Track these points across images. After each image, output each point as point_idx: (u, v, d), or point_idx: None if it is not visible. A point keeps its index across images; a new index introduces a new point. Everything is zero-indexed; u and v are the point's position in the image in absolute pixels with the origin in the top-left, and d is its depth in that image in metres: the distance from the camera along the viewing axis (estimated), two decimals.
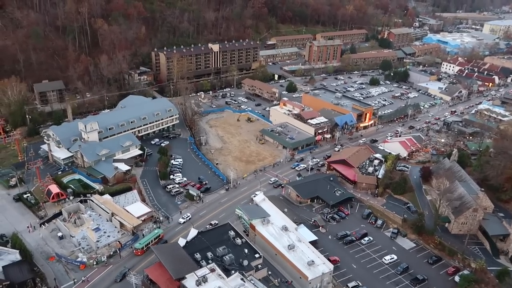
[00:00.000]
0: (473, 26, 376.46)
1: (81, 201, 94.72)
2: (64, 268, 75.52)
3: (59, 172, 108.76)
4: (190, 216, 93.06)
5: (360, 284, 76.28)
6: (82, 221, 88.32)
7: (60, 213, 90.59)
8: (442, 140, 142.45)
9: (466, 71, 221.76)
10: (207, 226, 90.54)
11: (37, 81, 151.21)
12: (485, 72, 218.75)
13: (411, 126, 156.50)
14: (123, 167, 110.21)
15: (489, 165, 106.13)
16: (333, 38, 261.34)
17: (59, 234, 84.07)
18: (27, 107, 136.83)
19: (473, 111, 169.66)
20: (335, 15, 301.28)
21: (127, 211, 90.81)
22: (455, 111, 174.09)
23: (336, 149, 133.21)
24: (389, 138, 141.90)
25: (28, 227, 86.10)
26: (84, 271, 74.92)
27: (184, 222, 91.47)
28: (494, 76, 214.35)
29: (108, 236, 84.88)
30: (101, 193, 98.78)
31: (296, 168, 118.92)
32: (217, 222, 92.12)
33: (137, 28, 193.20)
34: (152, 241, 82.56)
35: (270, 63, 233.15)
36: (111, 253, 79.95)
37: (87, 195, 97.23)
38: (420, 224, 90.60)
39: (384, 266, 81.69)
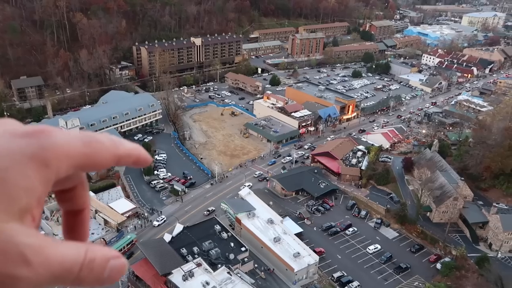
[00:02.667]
0: (452, 18, 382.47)
1: None
2: None
3: None
4: (165, 219, 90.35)
5: (345, 274, 77.51)
6: None
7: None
8: (423, 131, 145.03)
9: (446, 62, 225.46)
10: (204, 212, 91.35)
11: (14, 77, 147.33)
12: (464, 64, 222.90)
13: (399, 115, 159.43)
14: None
15: (468, 154, 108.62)
16: (315, 31, 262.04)
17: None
18: (5, 104, 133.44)
19: (453, 102, 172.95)
20: (317, 8, 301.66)
21: (111, 207, 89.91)
22: (435, 102, 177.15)
23: (329, 138, 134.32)
24: (375, 128, 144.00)
25: None
26: None
27: (159, 225, 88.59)
28: (472, 68, 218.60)
29: (92, 233, 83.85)
30: None
31: (271, 165, 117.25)
32: (213, 208, 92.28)
33: (118, 22, 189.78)
34: (124, 247, 79.28)
35: (253, 57, 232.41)
36: None
37: None
38: (402, 214, 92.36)
39: (368, 256, 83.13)
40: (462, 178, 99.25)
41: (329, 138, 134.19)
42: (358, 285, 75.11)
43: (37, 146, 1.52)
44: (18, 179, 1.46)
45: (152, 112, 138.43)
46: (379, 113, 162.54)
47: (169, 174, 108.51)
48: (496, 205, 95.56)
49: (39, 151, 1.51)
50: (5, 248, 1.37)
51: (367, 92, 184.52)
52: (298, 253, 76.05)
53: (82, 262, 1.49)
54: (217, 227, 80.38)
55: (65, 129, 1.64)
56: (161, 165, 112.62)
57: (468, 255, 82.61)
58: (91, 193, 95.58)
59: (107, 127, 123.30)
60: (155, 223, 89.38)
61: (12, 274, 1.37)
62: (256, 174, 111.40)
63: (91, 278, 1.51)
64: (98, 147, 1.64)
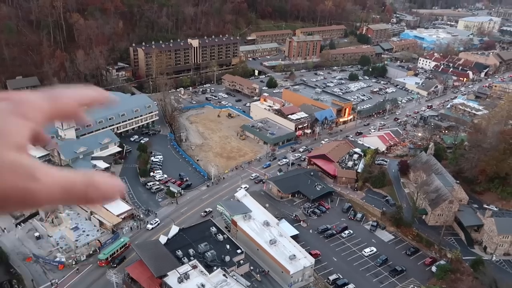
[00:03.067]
0: (448, 22, 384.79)
1: None
2: (42, 269, 74.03)
3: None
4: (159, 222, 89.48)
5: (341, 276, 77.54)
6: (60, 220, 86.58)
7: (37, 213, 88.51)
8: (419, 134, 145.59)
9: (442, 66, 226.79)
10: (202, 213, 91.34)
11: (10, 77, 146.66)
12: (460, 68, 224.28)
13: (396, 118, 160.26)
14: (102, 164, 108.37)
15: (464, 158, 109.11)
16: (312, 33, 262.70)
17: (36, 234, 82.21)
18: None
19: (448, 106, 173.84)
20: (315, 10, 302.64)
21: (106, 209, 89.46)
22: (431, 106, 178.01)
23: (323, 141, 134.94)
24: (372, 131, 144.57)
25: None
26: (63, 271, 73.62)
27: (152, 228, 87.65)
28: (468, 71, 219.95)
29: (87, 235, 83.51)
30: None
31: (266, 168, 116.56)
32: (211, 209, 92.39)
33: (115, 23, 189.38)
34: (117, 250, 78.25)
35: (250, 59, 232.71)
36: (91, 252, 78.75)
37: None
38: (398, 217, 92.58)
39: (364, 259, 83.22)
40: (458, 181, 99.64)
41: (323, 142, 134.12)
42: None
43: (13, 105, 1.86)
44: (8, 124, 1.78)
45: (149, 113, 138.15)
46: (375, 116, 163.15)
47: (165, 175, 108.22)
48: (487, 206, 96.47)
49: (16, 108, 1.84)
50: (13, 167, 1.65)
51: (364, 95, 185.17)
52: (294, 255, 76.01)
53: (83, 179, 1.75)
54: (213, 229, 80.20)
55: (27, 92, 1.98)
56: (157, 166, 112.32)
57: (463, 258, 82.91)
58: None
59: (103, 128, 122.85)
60: (149, 226, 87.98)
61: (24, 187, 1.63)
62: (252, 176, 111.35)
63: (98, 194, 1.77)
64: (63, 100, 2.00)
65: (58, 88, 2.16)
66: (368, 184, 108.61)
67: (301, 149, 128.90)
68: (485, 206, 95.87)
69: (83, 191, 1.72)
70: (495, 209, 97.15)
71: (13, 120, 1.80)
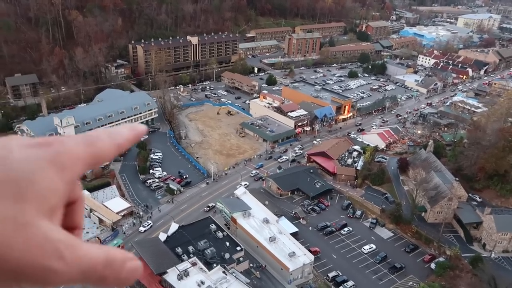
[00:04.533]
0: (448, 20, 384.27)
1: None
2: None
3: None
4: (151, 224, 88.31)
5: (340, 273, 77.71)
6: None
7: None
8: (419, 132, 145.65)
9: (441, 63, 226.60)
10: (205, 208, 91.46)
11: (9, 74, 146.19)
12: (459, 65, 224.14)
13: (397, 114, 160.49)
14: None
15: (463, 155, 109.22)
16: (312, 31, 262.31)
17: None
18: None
19: (448, 103, 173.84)
20: (314, 8, 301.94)
21: (106, 206, 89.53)
22: (431, 103, 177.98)
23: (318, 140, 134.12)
24: (374, 127, 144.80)
25: None
26: None
27: (145, 231, 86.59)
28: (468, 69, 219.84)
29: (87, 232, 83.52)
30: None
31: (259, 169, 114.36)
32: (214, 204, 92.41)
33: (114, 20, 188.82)
34: None
35: (250, 56, 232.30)
36: None
37: None
38: (397, 214, 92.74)
39: (363, 256, 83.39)
40: (457, 179, 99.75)
41: (315, 142, 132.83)
42: (353, 285, 75.35)
43: (53, 152, 1.68)
44: (44, 181, 1.59)
45: (148, 110, 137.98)
46: (374, 113, 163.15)
47: (165, 173, 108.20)
48: (473, 196, 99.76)
49: (55, 157, 1.67)
50: (41, 242, 1.49)
51: (363, 93, 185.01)
52: (294, 252, 76.13)
53: (106, 261, 1.62)
54: (213, 226, 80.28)
55: (69, 135, 1.83)
56: (157, 164, 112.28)
57: (462, 255, 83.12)
58: (86, 192, 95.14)
59: (102, 125, 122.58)
60: (141, 228, 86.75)
61: (48, 266, 1.48)
62: (252, 174, 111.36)
63: (113, 277, 1.65)
64: (100, 145, 1.84)
65: (96, 130, 1.98)
66: (368, 181, 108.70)
67: (296, 148, 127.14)
68: (471, 195, 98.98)
69: (100, 276, 1.62)
70: (479, 199, 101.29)
71: (50, 174, 1.62)
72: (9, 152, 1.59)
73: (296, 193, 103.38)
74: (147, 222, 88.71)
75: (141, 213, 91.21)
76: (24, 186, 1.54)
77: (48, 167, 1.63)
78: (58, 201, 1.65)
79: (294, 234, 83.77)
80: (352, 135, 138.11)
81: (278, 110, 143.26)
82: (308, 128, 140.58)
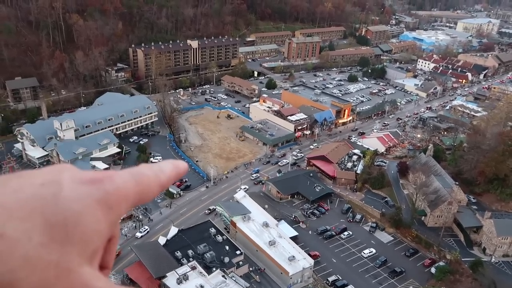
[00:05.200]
0: (447, 24, 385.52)
1: None
2: None
3: None
4: (148, 230, 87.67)
5: (340, 277, 77.51)
6: None
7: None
8: (418, 136, 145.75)
9: (441, 68, 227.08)
10: (206, 211, 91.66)
11: (9, 78, 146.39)
12: (459, 69, 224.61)
13: (398, 118, 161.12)
14: (101, 165, 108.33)
15: (463, 159, 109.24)
16: (312, 35, 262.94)
17: None
18: (0, 105, 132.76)
19: (447, 107, 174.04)
20: (314, 12, 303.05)
21: None
22: (430, 107, 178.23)
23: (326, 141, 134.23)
24: (374, 131, 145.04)
25: None
26: None
27: (142, 236, 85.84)
28: (467, 73, 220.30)
29: None
30: None
31: (254, 174, 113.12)
32: (214, 207, 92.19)
33: (114, 24, 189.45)
34: None
35: (250, 60, 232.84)
36: None
37: None
38: (397, 218, 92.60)
39: (363, 260, 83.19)
40: (457, 183, 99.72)
41: (311, 146, 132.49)
42: None
43: (103, 191, 1.62)
44: (91, 223, 1.53)
45: (148, 114, 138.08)
46: (374, 117, 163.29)
47: None
48: (468, 197, 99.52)
49: (105, 196, 1.61)
50: None
51: (363, 96, 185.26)
52: (293, 256, 75.95)
53: None
54: (212, 230, 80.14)
55: (119, 171, 1.75)
56: None
57: (462, 259, 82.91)
58: None
59: (102, 129, 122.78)
60: (138, 234, 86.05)
61: None
62: (252, 177, 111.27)
63: None
64: (146, 182, 1.78)
65: (142, 166, 1.89)
66: (367, 185, 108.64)
67: (294, 153, 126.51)
68: (464, 195, 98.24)
69: None
70: (473, 200, 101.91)
71: (97, 215, 1.57)
72: (60, 190, 1.53)
73: (296, 197, 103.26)
74: (144, 228, 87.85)
75: (140, 217, 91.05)
76: (71, 229, 1.48)
77: (96, 208, 1.58)
78: (101, 244, 1.62)
79: (294, 238, 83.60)
80: (353, 139, 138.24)
81: (278, 114, 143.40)
82: (308, 132, 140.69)
